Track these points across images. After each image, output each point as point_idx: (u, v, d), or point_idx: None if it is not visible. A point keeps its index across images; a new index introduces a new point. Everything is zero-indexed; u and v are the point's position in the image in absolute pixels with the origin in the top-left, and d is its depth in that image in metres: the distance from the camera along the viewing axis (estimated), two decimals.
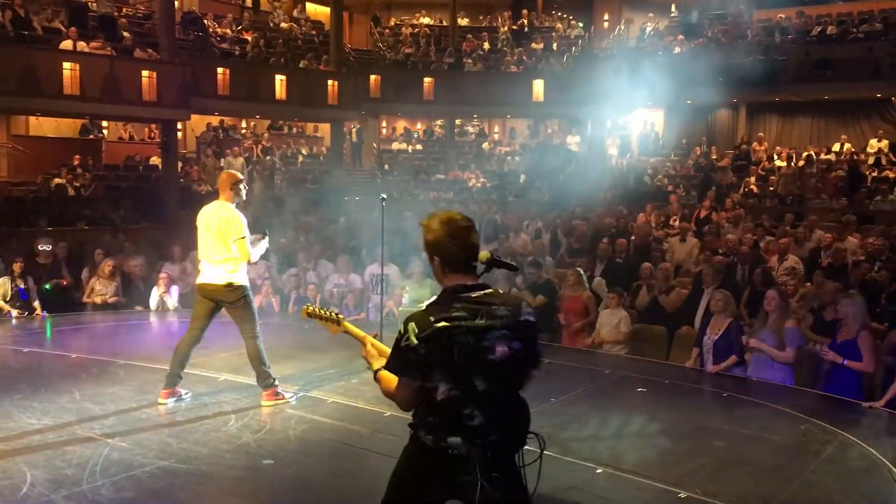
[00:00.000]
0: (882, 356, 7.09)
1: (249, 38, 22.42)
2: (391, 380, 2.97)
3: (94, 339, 9.04)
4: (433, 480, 2.97)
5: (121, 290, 10.88)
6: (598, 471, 4.86)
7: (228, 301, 6.27)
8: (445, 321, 2.86)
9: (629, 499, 4.47)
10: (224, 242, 6.16)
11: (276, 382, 6.26)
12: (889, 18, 20.49)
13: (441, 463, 2.93)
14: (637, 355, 8.43)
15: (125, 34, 18.54)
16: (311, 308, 3.66)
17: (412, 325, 2.89)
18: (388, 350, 3.02)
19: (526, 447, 3.03)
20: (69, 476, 4.64)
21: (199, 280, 6.36)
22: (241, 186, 6.39)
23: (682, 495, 4.51)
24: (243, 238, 6.16)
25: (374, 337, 3.29)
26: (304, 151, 24.41)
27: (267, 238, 6.66)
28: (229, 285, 6.19)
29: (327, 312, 3.60)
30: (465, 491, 2.93)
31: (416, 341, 2.86)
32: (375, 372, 3.08)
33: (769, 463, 5.22)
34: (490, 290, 3.02)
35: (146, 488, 4.52)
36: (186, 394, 6.35)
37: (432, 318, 2.88)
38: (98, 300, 10.64)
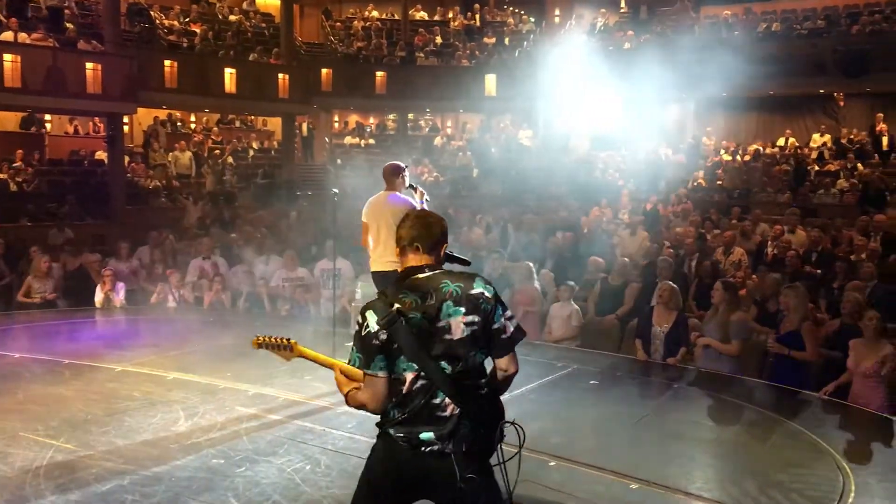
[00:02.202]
0: (820, 347, 7.28)
1: (198, 31, 22.05)
2: (357, 380, 2.93)
3: (37, 339, 8.78)
4: (405, 480, 2.92)
5: (60, 287, 10.61)
6: (552, 463, 4.90)
7: None
8: (398, 303, 2.85)
9: (582, 490, 4.51)
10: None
11: None
12: (831, 16, 21.02)
13: (414, 461, 2.88)
14: (589, 348, 8.51)
15: (68, 25, 18.08)
16: (260, 338, 3.53)
17: (370, 311, 2.87)
18: (359, 372, 2.94)
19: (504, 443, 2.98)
20: (11, 480, 4.52)
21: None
22: (405, 175, 6.58)
23: (634, 486, 4.58)
24: None
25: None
26: (254, 146, 24.12)
27: None
28: None
29: (278, 339, 3.48)
30: (440, 491, 2.89)
31: (376, 328, 2.83)
32: (346, 395, 3.03)
33: (717, 452, 5.33)
34: (441, 271, 2.99)
35: (92, 491, 4.42)
36: None
37: (388, 302, 2.86)
38: (37, 299, 10.35)
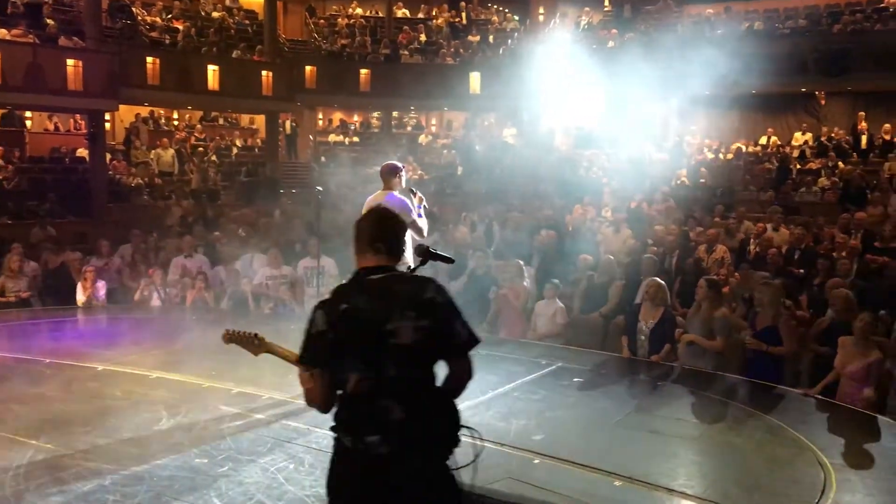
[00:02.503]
0: (811, 345, 7.35)
1: (180, 27, 21.89)
2: (308, 379, 2.90)
3: (17, 338, 8.68)
4: (358, 488, 2.86)
5: (36, 286, 10.51)
6: (536, 461, 4.91)
7: None
8: (346, 303, 2.83)
9: (566, 488, 4.51)
10: None
11: None
12: (813, 15, 21.18)
13: (364, 467, 2.83)
14: (573, 346, 8.53)
15: (49, 21, 17.90)
16: (230, 332, 3.53)
17: (320, 311, 2.86)
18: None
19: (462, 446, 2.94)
20: None
21: None
22: (402, 175, 6.75)
23: (618, 483, 4.59)
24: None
25: None
26: (238, 143, 23.99)
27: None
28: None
29: (247, 334, 3.49)
30: (391, 499, 2.83)
31: (325, 326, 2.82)
32: (306, 391, 3.00)
33: (700, 448, 5.35)
34: (395, 273, 2.97)
35: (73, 491, 4.38)
36: None
37: (338, 302, 2.84)
38: (12, 297, 10.24)
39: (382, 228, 3.02)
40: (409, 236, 6.59)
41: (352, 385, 2.84)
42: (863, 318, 6.50)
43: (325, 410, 2.94)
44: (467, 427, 3.00)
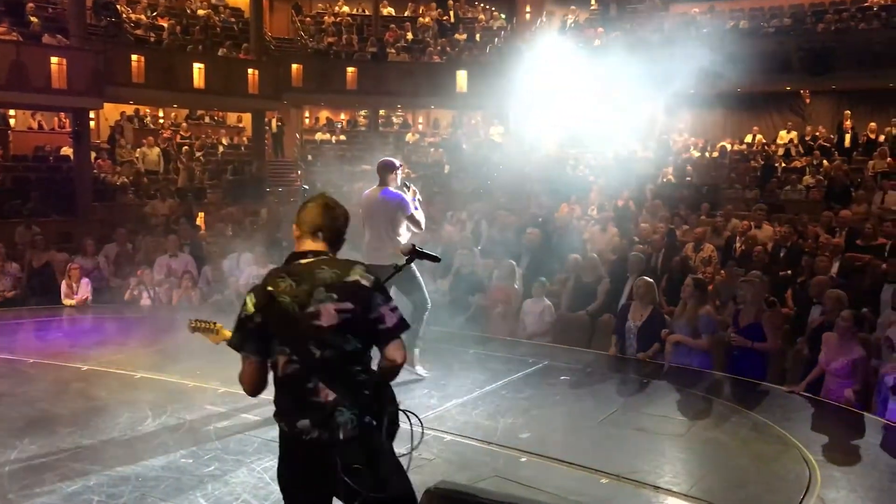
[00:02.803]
0: (802, 344, 7.39)
1: (165, 25, 21.77)
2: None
3: (1, 337, 8.62)
4: (299, 475, 2.89)
5: (21, 285, 10.43)
6: (523, 459, 4.92)
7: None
8: (273, 287, 2.87)
9: (553, 485, 4.52)
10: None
11: (417, 351, 6.64)
12: (797, 14, 21.31)
13: (301, 453, 2.87)
14: (561, 344, 8.54)
15: (33, 19, 17.75)
16: (193, 322, 3.57)
17: (250, 295, 2.90)
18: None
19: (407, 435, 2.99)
20: None
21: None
22: (398, 172, 6.81)
23: (604, 481, 4.60)
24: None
25: None
26: (224, 142, 23.87)
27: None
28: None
29: (206, 323, 3.53)
30: (331, 484, 2.84)
31: (252, 310, 2.87)
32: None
33: (686, 446, 5.37)
34: (324, 257, 2.97)
35: (58, 492, 4.36)
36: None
37: (266, 285, 2.88)
38: None
39: (326, 216, 3.04)
40: (406, 229, 6.71)
41: (280, 368, 2.88)
42: (846, 316, 6.54)
43: (252, 394, 2.99)
44: (405, 411, 3.02)
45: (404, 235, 6.69)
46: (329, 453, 2.81)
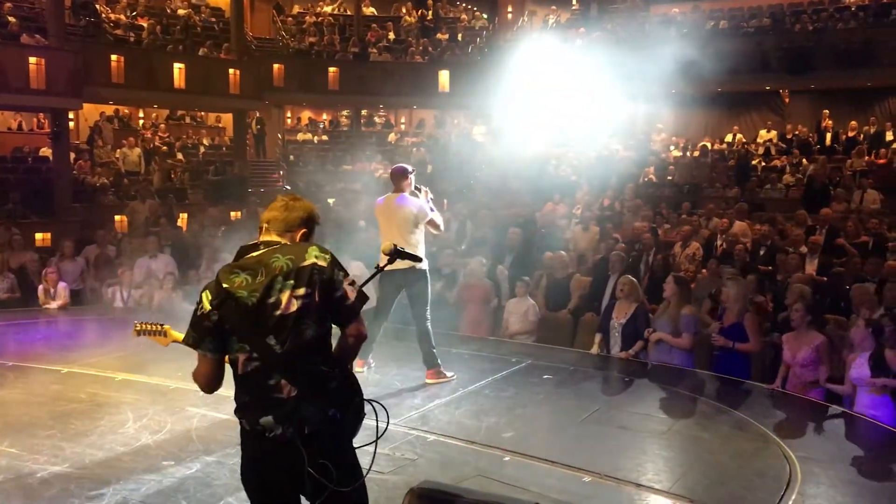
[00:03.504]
0: (774, 336, 7.44)
1: (145, 25, 21.62)
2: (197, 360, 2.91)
3: None
4: (263, 473, 2.85)
5: (8, 288, 10.34)
6: (506, 458, 4.92)
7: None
8: (228, 283, 2.81)
9: (536, 484, 4.52)
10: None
11: (439, 362, 6.64)
12: (776, 14, 21.48)
13: (264, 450, 2.82)
14: (543, 343, 8.56)
15: (10, 19, 17.58)
16: (139, 325, 3.52)
17: (206, 292, 2.84)
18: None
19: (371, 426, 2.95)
20: None
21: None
22: (412, 177, 6.88)
23: (587, 479, 4.61)
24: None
25: None
26: (205, 142, 23.74)
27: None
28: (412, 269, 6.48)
29: (153, 326, 3.48)
30: (294, 481, 2.80)
31: (209, 307, 2.80)
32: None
33: (668, 443, 5.40)
34: (276, 245, 2.92)
35: (38, 495, 4.31)
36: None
37: (221, 282, 2.82)
38: None
39: (279, 212, 3.02)
40: (423, 233, 6.78)
41: (240, 365, 2.83)
42: (797, 308, 6.64)
43: (209, 391, 2.96)
44: (370, 401, 2.99)
45: (421, 240, 6.74)
46: (294, 449, 2.77)
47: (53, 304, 9.85)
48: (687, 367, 7.24)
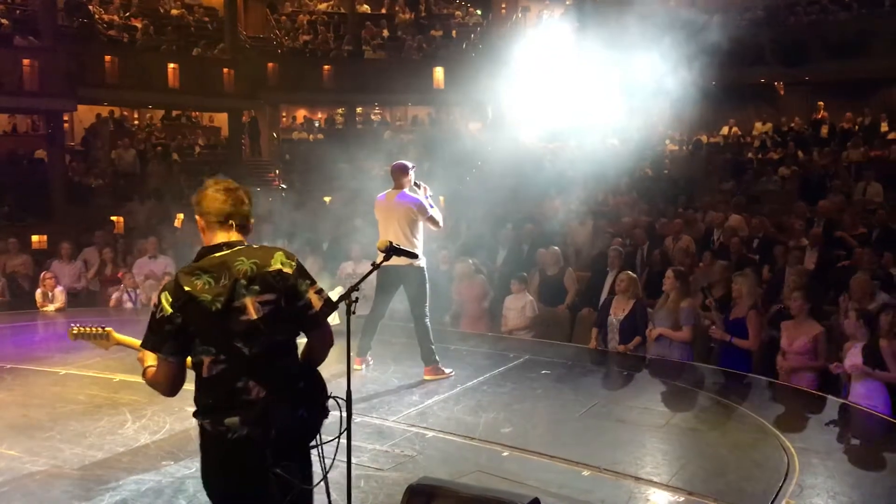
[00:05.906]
0: (766, 330, 7.45)
1: (139, 25, 21.57)
2: (151, 361, 2.86)
3: None
4: (226, 474, 2.77)
5: (7, 291, 10.33)
6: (505, 454, 4.93)
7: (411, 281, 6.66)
8: (190, 286, 2.74)
9: (536, 479, 4.54)
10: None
11: (437, 359, 6.61)
12: (770, 6, 21.48)
13: (227, 452, 2.75)
14: (541, 338, 8.57)
15: (3, 21, 17.54)
16: (76, 329, 3.47)
17: (165, 294, 2.77)
18: (151, 355, 2.88)
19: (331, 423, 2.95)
20: None
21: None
22: (412, 173, 6.83)
23: (586, 473, 4.63)
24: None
25: None
26: (200, 142, 23.70)
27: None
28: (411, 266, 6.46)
29: (94, 329, 3.43)
30: (258, 483, 2.75)
31: (170, 310, 2.74)
32: (145, 370, 2.94)
33: (666, 437, 5.41)
34: (240, 247, 2.86)
35: (37, 497, 4.32)
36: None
37: (181, 284, 2.75)
38: None
39: (231, 200, 2.92)
40: (424, 230, 6.76)
41: (205, 368, 2.77)
42: (796, 297, 6.65)
43: (170, 395, 2.90)
44: (334, 397, 2.97)
45: (421, 237, 6.73)
46: (260, 450, 2.73)
47: (51, 307, 9.83)
48: (686, 360, 7.24)
